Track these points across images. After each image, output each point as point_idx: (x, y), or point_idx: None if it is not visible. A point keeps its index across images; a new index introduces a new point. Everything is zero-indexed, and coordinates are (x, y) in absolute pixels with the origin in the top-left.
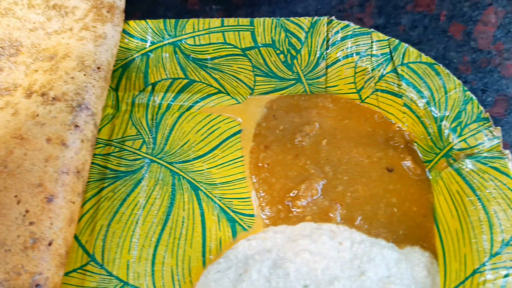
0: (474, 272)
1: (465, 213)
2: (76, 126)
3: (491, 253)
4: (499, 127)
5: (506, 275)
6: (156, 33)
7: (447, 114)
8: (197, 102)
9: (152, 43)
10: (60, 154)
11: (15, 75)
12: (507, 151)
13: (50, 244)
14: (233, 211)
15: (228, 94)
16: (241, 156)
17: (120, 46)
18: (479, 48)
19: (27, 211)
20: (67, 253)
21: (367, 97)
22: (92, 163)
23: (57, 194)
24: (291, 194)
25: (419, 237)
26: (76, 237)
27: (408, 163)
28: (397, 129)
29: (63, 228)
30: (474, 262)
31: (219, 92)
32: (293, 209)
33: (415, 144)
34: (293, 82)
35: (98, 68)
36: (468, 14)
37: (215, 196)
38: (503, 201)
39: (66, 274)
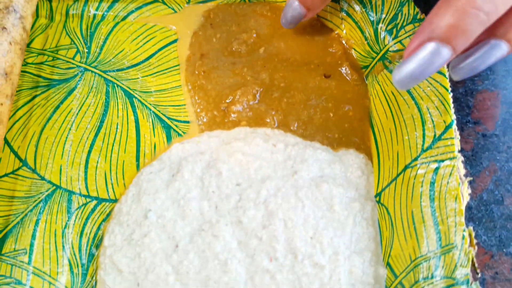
0: (406, 168)
1: (399, 112)
2: (3, 28)
3: (422, 148)
4: None
5: (437, 168)
6: None
7: (383, 16)
8: (132, 11)
9: None
10: None
11: None
12: None
13: None
14: (168, 118)
15: (164, 3)
16: (177, 65)
17: None
18: None
19: None
20: None
21: None
22: (25, 71)
23: None
24: (227, 101)
25: (354, 140)
26: (8, 143)
27: (345, 69)
28: (336, 36)
29: None
30: (406, 158)
31: (155, 1)
32: (229, 115)
33: (353, 50)
34: None
35: None
36: None
37: (150, 104)
38: (436, 98)
39: None
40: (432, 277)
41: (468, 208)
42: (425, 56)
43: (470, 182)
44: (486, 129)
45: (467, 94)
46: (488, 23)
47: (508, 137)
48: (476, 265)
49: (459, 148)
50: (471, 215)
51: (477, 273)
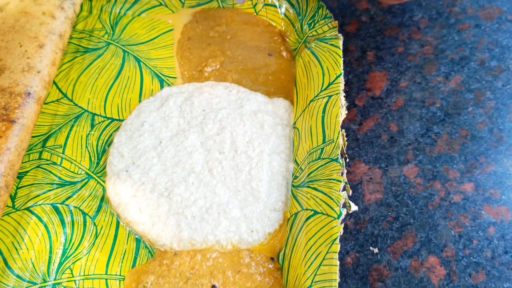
0: (310, 102)
1: (310, 72)
2: (62, 8)
3: (321, 89)
4: (336, 21)
5: (328, 100)
6: None
7: (306, 15)
8: (144, 10)
9: None
10: (50, 22)
11: None
12: (340, 34)
13: (39, 72)
14: (162, 75)
15: (167, 6)
16: (171, 44)
17: None
18: None
19: (26, 51)
20: (49, 82)
21: (259, 10)
22: (70, 42)
23: (46, 44)
24: (202, 65)
25: (284, 92)
26: (55, 83)
27: (283, 50)
28: (277, 30)
29: (48, 65)
30: (311, 96)
31: (160, 4)
32: (203, 74)
33: (288, 39)
34: None
35: None
36: None
37: (151, 66)
38: (332, 58)
39: (46, 103)
40: (318, 159)
41: (356, 139)
42: None
43: (360, 124)
44: (374, 94)
45: (363, 73)
46: None
47: (389, 100)
48: (344, 151)
49: (343, 88)
50: (358, 143)
51: (344, 157)
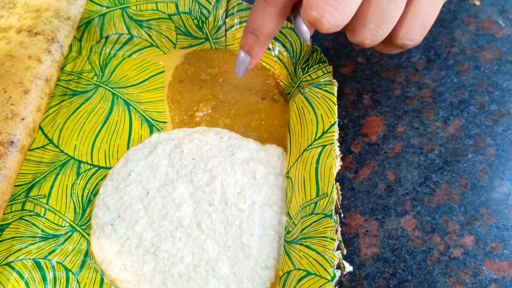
0: (304, 151)
1: (303, 118)
2: (49, 51)
3: (315, 138)
4: (331, 66)
5: (322, 150)
6: (111, 1)
7: (300, 59)
8: (135, 51)
9: (107, 7)
10: (36, 66)
11: (11, 20)
12: (334, 80)
13: (23, 119)
14: (152, 119)
15: (158, 47)
16: (162, 87)
17: (85, 9)
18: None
19: (10, 97)
20: (34, 129)
21: None
22: (58, 84)
23: (32, 90)
24: (194, 109)
25: (277, 138)
26: (41, 128)
27: (275, 94)
28: (271, 73)
29: (33, 111)
30: (304, 145)
31: (152, 45)
32: (193, 119)
33: (281, 82)
34: (203, 40)
35: (68, 18)
36: None
37: (141, 110)
38: (326, 105)
39: (30, 150)
40: (311, 214)
41: (352, 188)
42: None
43: (355, 172)
44: (371, 140)
45: (359, 117)
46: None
47: (386, 146)
48: (339, 206)
49: (337, 138)
50: (354, 192)
51: (339, 212)
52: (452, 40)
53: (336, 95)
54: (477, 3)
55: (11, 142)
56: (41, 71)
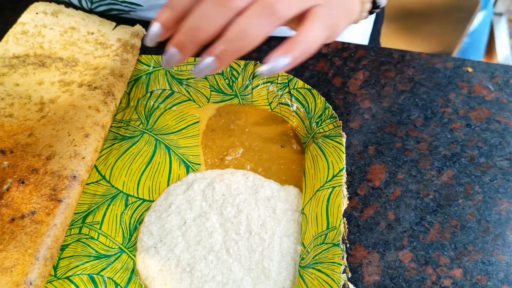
0: (317, 191)
1: (317, 165)
2: (105, 103)
3: (326, 181)
4: (340, 121)
5: (332, 190)
6: (156, 62)
7: (314, 114)
8: (175, 104)
9: (153, 68)
10: (95, 114)
11: (73, 76)
12: (343, 133)
13: (83, 158)
14: (189, 161)
15: (194, 101)
16: (197, 134)
17: (135, 68)
18: (350, 91)
19: (73, 140)
20: (91, 167)
21: (274, 107)
22: (110, 130)
23: (91, 134)
24: (224, 154)
25: (294, 181)
26: (95, 166)
27: (293, 143)
28: (289, 125)
29: (91, 152)
30: (317, 187)
31: (189, 100)
32: (223, 162)
33: (298, 133)
34: (232, 96)
35: (121, 75)
36: (346, 73)
37: (179, 153)
38: (336, 154)
39: (87, 184)
40: (322, 243)
41: (357, 225)
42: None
43: (361, 211)
44: (374, 184)
45: (365, 165)
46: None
47: (387, 190)
48: (346, 238)
49: (345, 180)
50: (359, 228)
51: (345, 243)
52: (447, 101)
53: (344, 145)
54: (470, 70)
55: (74, 176)
56: (98, 119)
